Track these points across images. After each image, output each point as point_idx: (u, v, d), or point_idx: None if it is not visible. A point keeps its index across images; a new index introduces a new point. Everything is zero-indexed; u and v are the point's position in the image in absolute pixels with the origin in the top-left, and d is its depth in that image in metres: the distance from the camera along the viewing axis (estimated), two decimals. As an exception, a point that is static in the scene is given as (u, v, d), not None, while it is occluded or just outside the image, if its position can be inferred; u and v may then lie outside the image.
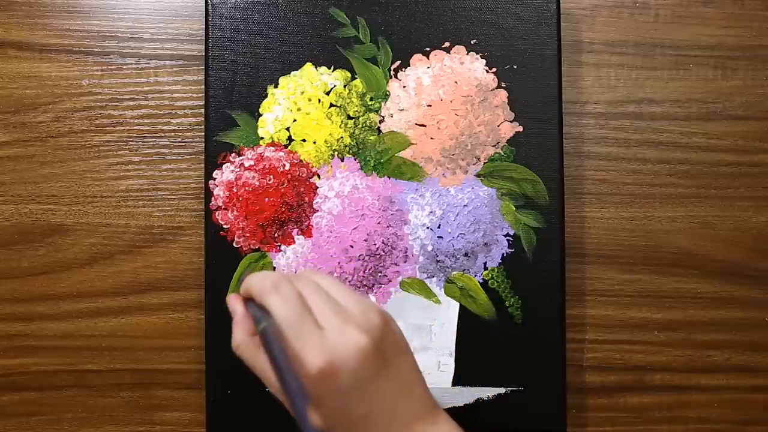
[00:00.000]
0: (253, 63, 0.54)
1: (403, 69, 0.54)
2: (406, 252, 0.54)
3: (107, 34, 0.57)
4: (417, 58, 0.54)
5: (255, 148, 0.53)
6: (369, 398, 0.39)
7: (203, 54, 0.54)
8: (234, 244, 0.53)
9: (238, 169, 0.53)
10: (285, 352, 0.38)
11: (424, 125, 0.54)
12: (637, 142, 0.57)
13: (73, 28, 0.57)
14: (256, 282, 0.41)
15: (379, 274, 0.53)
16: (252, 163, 0.53)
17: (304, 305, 0.40)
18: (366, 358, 0.38)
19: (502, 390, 0.53)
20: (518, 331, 0.53)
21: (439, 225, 0.54)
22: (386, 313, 0.41)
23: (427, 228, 0.54)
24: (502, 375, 0.53)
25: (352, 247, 0.53)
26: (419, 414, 0.41)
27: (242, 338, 0.42)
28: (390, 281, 0.54)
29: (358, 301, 0.41)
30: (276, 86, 0.54)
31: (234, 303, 0.43)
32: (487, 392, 0.53)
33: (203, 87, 0.54)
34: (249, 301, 0.42)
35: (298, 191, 0.53)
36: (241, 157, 0.53)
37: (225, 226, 0.53)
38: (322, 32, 0.54)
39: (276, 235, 0.53)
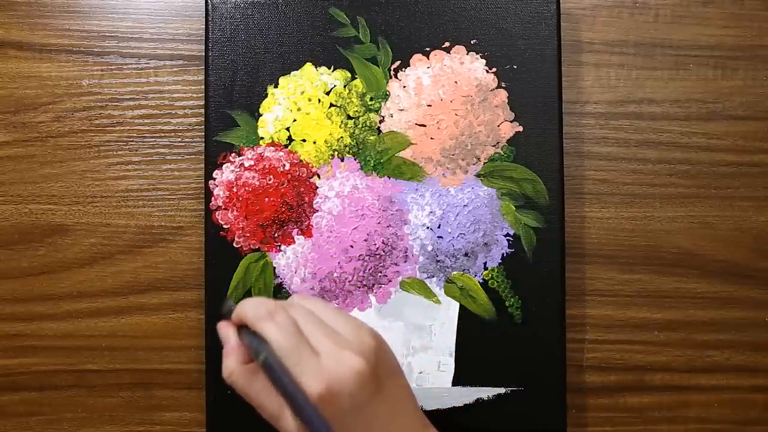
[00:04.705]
0: (253, 63, 0.54)
1: (403, 69, 0.54)
2: (406, 252, 0.54)
3: (107, 34, 0.57)
4: (417, 58, 0.54)
5: (255, 148, 0.53)
6: (366, 420, 0.39)
7: (203, 54, 0.54)
8: (234, 244, 0.53)
9: (238, 169, 0.53)
10: (295, 383, 0.38)
11: (424, 125, 0.54)
12: (637, 142, 0.57)
13: (73, 28, 0.57)
14: (251, 309, 0.41)
15: (379, 274, 0.53)
16: (252, 163, 0.53)
17: (300, 332, 0.40)
18: (363, 381, 0.38)
19: (502, 390, 0.53)
20: (518, 331, 0.53)
21: (439, 225, 0.54)
22: (378, 334, 0.42)
23: (427, 228, 0.54)
24: (502, 375, 0.53)
25: (352, 247, 0.53)
26: None
27: (235, 366, 0.41)
28: (390, 281, 0.54)
29: (351, 323, 0.41)
30: (276, 86, 0.54)
31: (225, 330, 0.43)
32: (487, 392, 0.53)
33: (203, 87, 0.54)
34: (242, 328, 0.42)
35: (298, 191, 0.53)
36: (241, 157, 0.53)
37: (225, 226, 0.53)
38: (322, 32, 0.54)
39: (276, 235, 0.53)
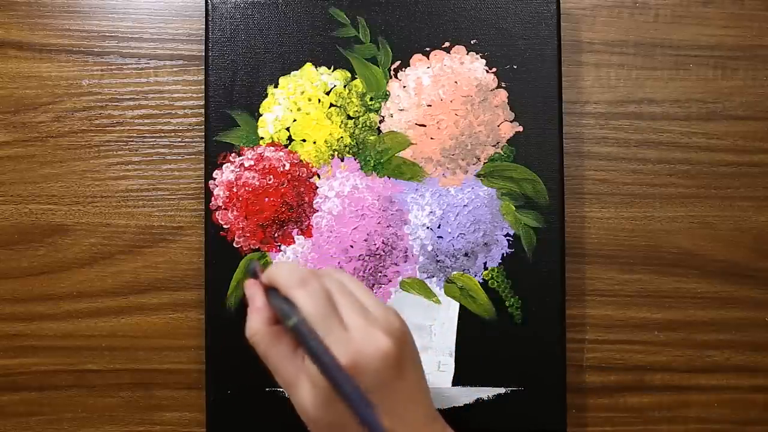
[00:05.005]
0: (253, 63, 0.54)
1: (403, 69, 0.54)
2: (406, 252, 0.54)
3: (107, 34, 0.57)
4: (417, 58, 0.54)
5: (255, 148, 0.53)
6: (384, 401, 0.39)
7: (203, 54, 0.54)
8: (234, 244, 0.53)
9: (238, 169, 0.53)
10: (326, 348, 0.37)
11: (424, 125, 0.54)
12: (637, 142, 0.57)
13: (73, 28, 0.57)
14: (284, 274, 0.41)
15: (379, 274, 0.53)
16: (252, 163, 0.53)
17: (331, 303, 0.40)
18: (389, 362, 0.38)
19: (502, 390, 0.53)
20: (518, 331, 0.53)
21: (439, 225, 0.54)
22: (403, 320, 0.41)
23: (427, 228, 0.54)
24: (502, 375, 0.53)
25: (352, 247, 0.53)
26: (424, 422, 0.41)
27: (260, 327, 0.41)
28: (390, 281, 0.54)
29: (380, 304, 0.41)
30: (276, 86, 0.54)
31: (253, 289, 0.42)
32: (487, 392, 0.53)
33: (203, 87, 0.54)
34: (271, 290, 0.41)
35: (298, 191, 0.53)
36: (241, 157, 0.53)
37: (225, 226, 0.53)
38: (322, 32, 0.54)
39: (276, 235, 0.53)
